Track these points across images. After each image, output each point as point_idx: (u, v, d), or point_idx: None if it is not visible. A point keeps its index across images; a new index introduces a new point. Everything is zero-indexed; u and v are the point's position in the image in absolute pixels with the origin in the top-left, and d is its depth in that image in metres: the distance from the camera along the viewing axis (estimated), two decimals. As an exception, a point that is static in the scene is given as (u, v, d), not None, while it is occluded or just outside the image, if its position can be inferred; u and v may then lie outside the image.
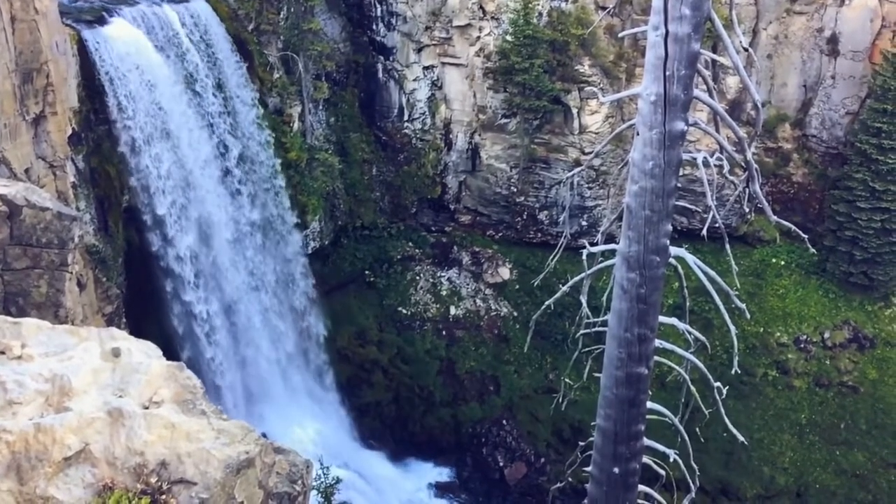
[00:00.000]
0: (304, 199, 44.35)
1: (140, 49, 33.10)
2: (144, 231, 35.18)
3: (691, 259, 14.46)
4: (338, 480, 29.80)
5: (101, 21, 32.15)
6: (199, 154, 36.96)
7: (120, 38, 32.16)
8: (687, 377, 16.41)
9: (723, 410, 16.12)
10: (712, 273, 14.66)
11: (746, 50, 13.60)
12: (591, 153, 46.53)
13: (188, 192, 36.23)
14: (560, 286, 17.23)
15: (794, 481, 45.77)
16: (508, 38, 46.66)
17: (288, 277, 44.35)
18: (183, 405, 9.82)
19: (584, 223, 50.90)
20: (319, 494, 27.72)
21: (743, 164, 13.58)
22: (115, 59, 31.73)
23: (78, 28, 31.01)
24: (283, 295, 44.05)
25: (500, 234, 52.83)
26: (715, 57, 13.80)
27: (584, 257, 15.54)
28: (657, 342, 14.81)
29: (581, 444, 17.68)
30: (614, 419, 15.07)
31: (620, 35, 42.05)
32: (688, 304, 17.10)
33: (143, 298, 35.07)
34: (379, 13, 48.90)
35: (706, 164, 13.95)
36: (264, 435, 10.92)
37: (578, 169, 19.98)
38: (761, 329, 49.14)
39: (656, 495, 17.24)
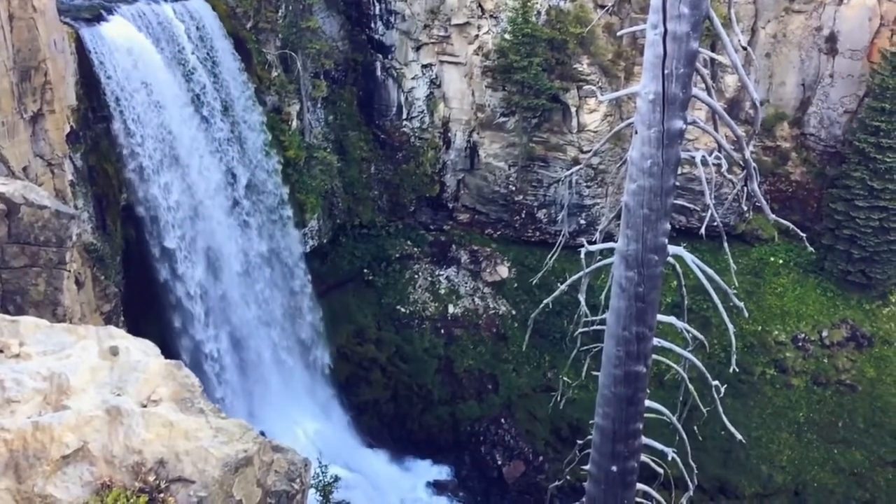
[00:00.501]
0: (302, 197, 44.28)
1: (147, 63, 32.37)
2: (151, 261, 34.49)
3: (689, 257, 14.46)
4: (336, 479, 29.81)
5: (100, 19, 31.97)
6: (209, 182, 36.13)
7: (120, 39, 31.63)
8: (685, 375, 16.42)
9: (721, 409, 16.15)
10: (710, 272, 14.67)
11: (745, 48, 13.59)
12: (589, 151, 46.38)
13: (197, 224, 35.43)
14: (558, 285, 17.23)
15: (791, 480, 45.80)
16: (507, 36, 46.64)
17: (295, 311, 44.14)
18: (181, 403, 9.82)
19: (582, 221, 50.90)
20: (318, 493, 27.73)
21: (741, 162, 13.58)
22: (120, 75, 31.08)
23: (76, 26, 30.90)
24: (290, 328, 43.78)
25: (499, 233, 52.81)
26: (713, 55, 13.80)
27: (582, 256, 15.53)
28: (655, 341, 14.82)
29: (579, 442, 17.72)
30: (612, 417, 15.08)
31: (619, 34, 41.89)
32: (686, 302, 17.15)
33: (141, 297, 34.93)
34: (377, 11, 48.84)
35: (705, 162, 13.95)
36: (263, 433, 10.92)
37: (577, 167, 19.97)
38: (759, 328, 49.15)
39: (654, 493, 17.24)
